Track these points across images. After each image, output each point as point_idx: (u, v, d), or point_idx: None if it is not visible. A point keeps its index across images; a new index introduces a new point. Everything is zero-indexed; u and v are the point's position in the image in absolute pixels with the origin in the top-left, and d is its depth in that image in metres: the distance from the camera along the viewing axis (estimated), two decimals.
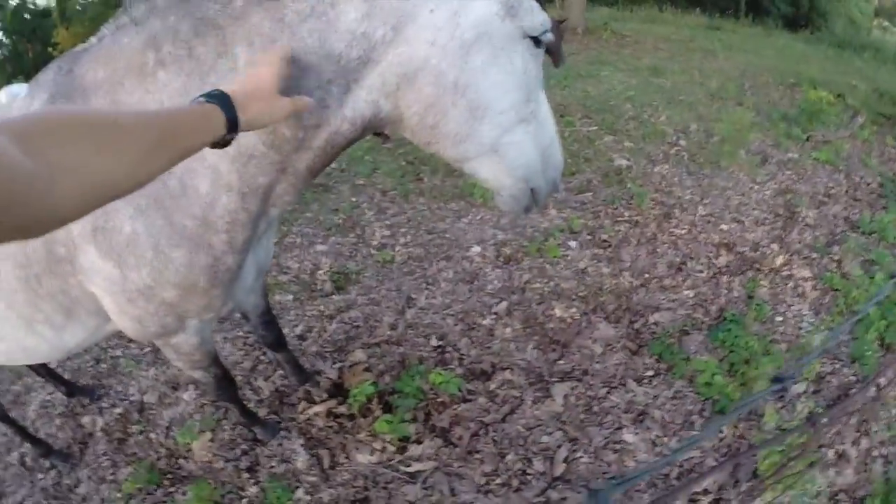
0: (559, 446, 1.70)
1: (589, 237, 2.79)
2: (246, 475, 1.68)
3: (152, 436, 1.86)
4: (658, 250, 2.69)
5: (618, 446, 1.71)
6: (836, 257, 2.65)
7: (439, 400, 1.85)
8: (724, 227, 2.88)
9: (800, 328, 2.26)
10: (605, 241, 2.75)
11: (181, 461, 1.77)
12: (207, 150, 0.88)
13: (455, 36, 0.80)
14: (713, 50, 6.82)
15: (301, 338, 2.21)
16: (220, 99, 0.66)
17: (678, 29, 8.71)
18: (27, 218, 0.43)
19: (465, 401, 1.87)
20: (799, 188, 3.26)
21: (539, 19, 0.86)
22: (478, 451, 1.70)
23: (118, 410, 1.95)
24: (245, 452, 1.76)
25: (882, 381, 2.10)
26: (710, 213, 3.00)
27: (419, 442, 1.72)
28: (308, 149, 0.90)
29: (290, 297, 2.44)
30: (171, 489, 1.68)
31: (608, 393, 1.90)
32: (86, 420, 1.93)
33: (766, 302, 2.36)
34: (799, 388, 1.98)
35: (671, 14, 10.67)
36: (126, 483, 1.68)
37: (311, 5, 0.78)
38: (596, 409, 1.85)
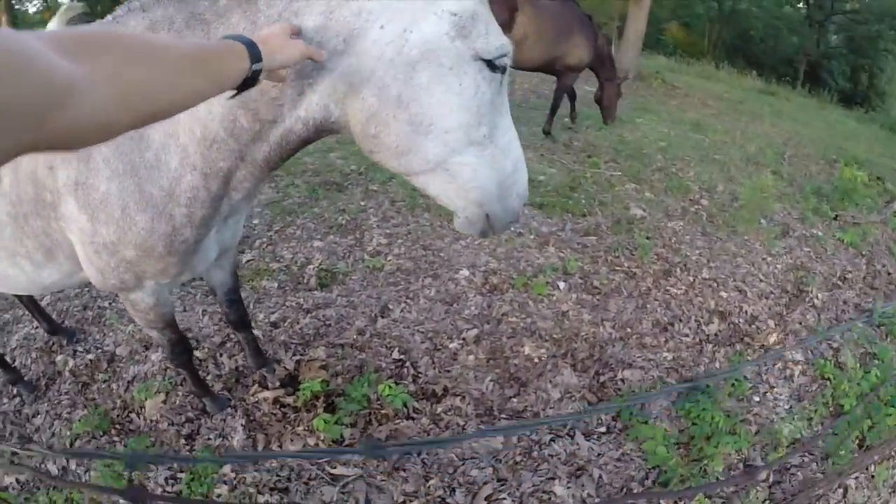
0: (486, 483, 1.69)
1: (581, 281, 2.75)
2: (183, 441, 1.75)
3: (114, 386, 1.97)
4: (648, 306, 2.62)
5: (545, 496, 1.67)
6: (835, 345, 2.51)
7: (383, 412, 1.87)
8: (723, 293, 2.79)
9: (776, 412, 2.15)
10: (595, 287, 2.71)
11: (132, 415, 1.86)
12: (180, 130, 0.98)
13: (402, 52, 0.83)
14: (761, 114, 6.64)
15: (274, 325, 2.29)
16: (236, 37, 0.73)
17: (731, 89, 8.52)
18: (69, 121, 0.43)
19: (409, 418, 1.88)
20: (814, 266, 3.11)
21: (494, 43, 0.87)
22: (404, 470, 1.70)
23: (90, 356, 2.08)
24: (190, 420, 1.84)
25: (851, 482, 1.96)
26: (713, 277, 2.91)
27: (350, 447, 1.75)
28: (265, 141, 0.98)
29: (276, 284, 2.53)
30: (116, 438, 1.77)
31: (552, 441, 1.87)
32: (59, 359, 2.06)
33: (747, 379, 2.26)
34: (760, 475, 1.88)
35: (727, 73, 10.47)
36: (77, 424, 1.79)
37: (279, 12, 0.86)
38: (535, 454, 1.81)
